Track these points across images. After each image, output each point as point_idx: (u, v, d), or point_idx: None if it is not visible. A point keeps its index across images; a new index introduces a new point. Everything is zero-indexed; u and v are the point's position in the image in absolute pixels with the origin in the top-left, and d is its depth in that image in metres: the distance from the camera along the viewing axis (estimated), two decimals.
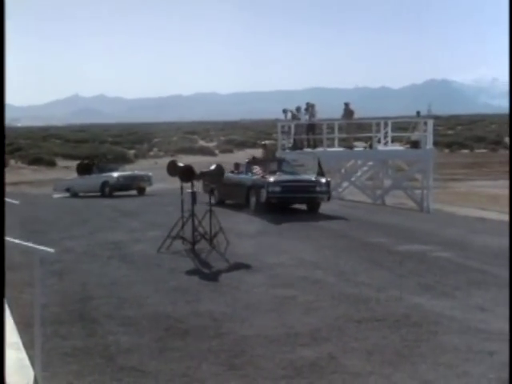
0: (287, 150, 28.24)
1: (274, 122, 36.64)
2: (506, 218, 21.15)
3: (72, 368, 6.72)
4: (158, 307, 9.15)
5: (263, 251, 13.36)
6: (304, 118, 28.57)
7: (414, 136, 27.75)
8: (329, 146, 28.71)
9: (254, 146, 61.62)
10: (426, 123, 27.54)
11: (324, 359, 6.96)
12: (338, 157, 27.97)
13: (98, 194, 29.45)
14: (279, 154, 28.12)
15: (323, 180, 19.87)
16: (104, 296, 9.80)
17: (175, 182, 14.26)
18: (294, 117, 28.86)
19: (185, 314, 8.79)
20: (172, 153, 58.67)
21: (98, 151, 58.50)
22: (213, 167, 14.45)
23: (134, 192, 29.80)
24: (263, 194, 19.10)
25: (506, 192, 33.79)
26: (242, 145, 67.89)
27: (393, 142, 30.21)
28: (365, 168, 28.74)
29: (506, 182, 38.72)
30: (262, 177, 19.67)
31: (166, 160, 20.68)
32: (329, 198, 19.98)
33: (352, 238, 15.16)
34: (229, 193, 21.22)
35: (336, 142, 29.67)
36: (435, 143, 34.01)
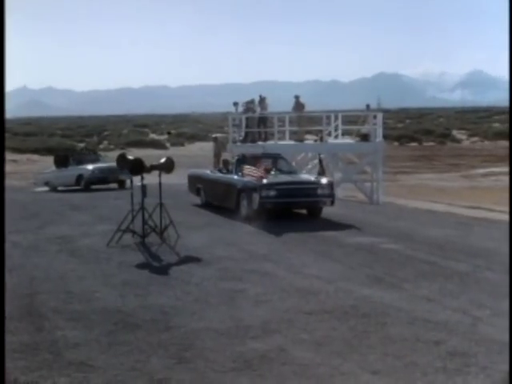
0: (238, 143, 28.21)
1: (223, 115, 36.62)
2: (454, 209, 21.49)
3: (19, 364, 6.63)
4: (107, 301, 9.08)
5: (213, 243, 13.36)
6: (257, 111, 28.55)
7: (364, 129, 27.96)
8: (280, 139, 28.74)
9: (205, 138, 61.48)
10: (375, 116, 27.75)
11: (274, 351, 6.99)
12: (288, 150, 27.97)
13: (76, 187, 27.96)
14: (230, 147, 28.11)
15: (325, 181, 17.32)
16: (52, 291, 9.69)
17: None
18: (249, 109, 28.83)
19: (134, 307, 8.74)
20: (122, 146, 58.16)
21: (47, 145, 57.68)
22: (163, 160, 14.37)
23: (114, 185, 28.01)
24: (255, 198, 16.39)
25: (454, 184, 34.37)
26: (192, 138, 67.69)
27: (343, 135, 30.36)
28: (315, 161, 28.83)
29: (454, 175, 39.40)
30: (255, 177, 16.96)
31: (117, 153, 20.44)
32: (332, 202, 17.16)
33: (301, 230, 15.23)
34: (216, 194, 18.91)
35: (287, 134, 29.72)
36: (385, 136, 34.33)
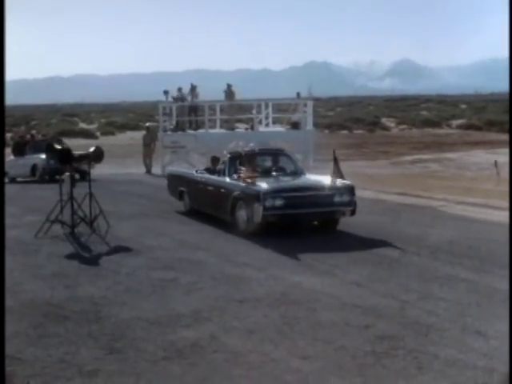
0: (169, 132, 28.08)
1: (154, 104, 36.33)
2: (383, 196, 21.81)
3: None
4: (35, 293, 8.93)
5: (143, 233, 13.28)
6: (188, 99, 28.46)
7: (295, 117, 28.15)
8: (211, 128, 28.71)
9: (135, 128, 60.90)
10: (305, 105, 27.97)
11: (205, 339, 6.99)
12: (219, 138, 27.95)
13: (33, 179, 25.42)
14: (161, 135, 27.94)
15: (343, 185, 13.56)
16: None
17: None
18: (179, 98, 28.69)
19: (64, 299, 8.63)
20: (54, 135, 57.06)
21: None
22: (92, 149, 14.18)
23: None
24: (258, 209, 12.72)
25: (384, 171, 34.87)
26: (123, 127, 66.96)
27: (274, 123, 30.52)
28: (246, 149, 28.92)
29: (384, 162, 39.98)
30: (252, 182, 13.28)
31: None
32: (353, 212, 13.49)
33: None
34: (206, 201, 15.11)
35: (218, 123, 29.70)
36: (315, 124, 34.62)
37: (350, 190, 13.48)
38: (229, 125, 29.03)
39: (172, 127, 28.46)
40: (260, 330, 7.32)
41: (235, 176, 14.02)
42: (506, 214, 15.65)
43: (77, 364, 6.34)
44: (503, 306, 7.93)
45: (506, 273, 9.56)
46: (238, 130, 29.40)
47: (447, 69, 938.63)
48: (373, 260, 10.85)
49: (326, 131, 59.94)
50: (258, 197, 12.83)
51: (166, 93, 29.16)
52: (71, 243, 12.48)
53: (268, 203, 12.77)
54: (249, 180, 13.26)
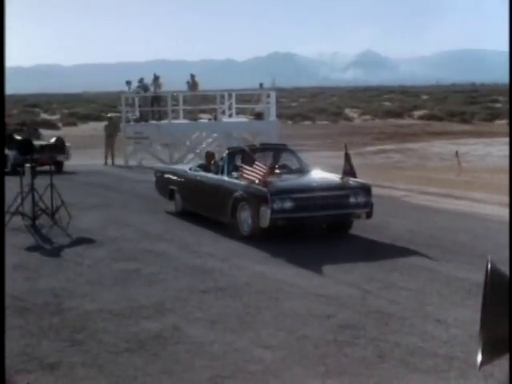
0: (132, 123, 27.90)
1: (117, 95, 36.08)
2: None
3: None
4: None
5: (106, 224, 13.20)
6: (151, 90, 28.31)
7: (258, 108, 28.14)
8: (174, 118, 28.59)
9: (98, 118, 60.40)
10: (269, 95, 27.98)
11: (168, 330, 6.98)
12: (183, 129, 27.92)
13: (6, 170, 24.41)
14: (123, 126, 27.75)
15: (359, 184, 12.13)
16: None
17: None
18: (142, 88, 28.51)
19: (25, 291, 8.55)
20: (13, 126, 56.32)
21: None
22: (53, 140, 14.02)
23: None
24: (265, 212, 11.27)
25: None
26: (85, 118, 66.38)
27: (238, 113, 30.50)
28: (209, 140, 28.87)
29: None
30: (257, 180, 11.69)
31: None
32: (369, 215, 12.03)
33: None
34: (201, 202, 13.57)
35: (181, 113, 29.59)
36: (279, 115, 34.65)
37: (366, 189, 12.02)
38: (192, 115, 28.93)
39: (135, 118, 28.27)
40: (223, 320, 7.32)
41: (235, 174, 12.58)
42: (468, 203, 15.88)
43: (38, 356, 6.28)
44: (463, 295, 8.05)
45: (467, 261, 9.68)
46: (201, 120, 29.30)
47: (410, 60, 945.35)
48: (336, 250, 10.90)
49: (290, 122, 60.06)
50: (264, 198, 11.29)
51: (128, 83, 28.94)
52: (32, 235, 12.36)
53: (276, 205, 11.28)
54: (267, 179, 11.58)
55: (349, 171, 12.16)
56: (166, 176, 15.28)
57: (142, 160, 27.22)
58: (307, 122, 63.36)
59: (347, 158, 12.28)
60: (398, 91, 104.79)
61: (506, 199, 16.19)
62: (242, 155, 13.16)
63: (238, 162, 13.03)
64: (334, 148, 43.56)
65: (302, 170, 13.29)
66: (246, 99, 33.91)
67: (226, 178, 12.72)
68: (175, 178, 14.73)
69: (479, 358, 2.79)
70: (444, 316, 7.35)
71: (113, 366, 6.08)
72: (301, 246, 11.16)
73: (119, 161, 27.20)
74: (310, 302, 7.97)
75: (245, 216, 11.84)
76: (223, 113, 28.78)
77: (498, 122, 60.58)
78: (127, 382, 5.76)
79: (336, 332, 6.87)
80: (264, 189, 11.42)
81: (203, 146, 28.53)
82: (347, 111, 71.43)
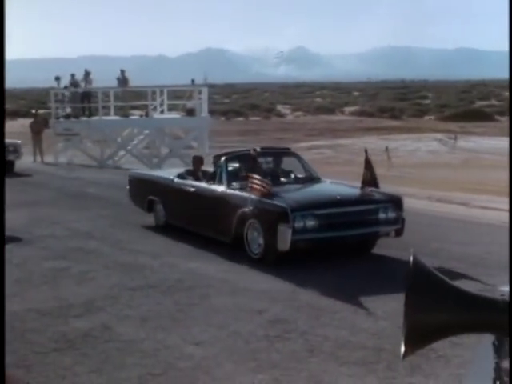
0: (62, 119, 27.47)
1: (47, 91, 35.47)
2: None
3: None
4: None
5: (35, 222, 12.97)
6: (81, 86, 27.92)
7: (190, 104, 28.05)
8: (105, 115, 28.26)
9: (27, 115, 59.30)
10: (200, 91, 27.91)
11: (98, 329, 6.91)
12: (114, 125, 27.63)
13: None
14: (53, 123, 27.30)
15: (387, 196, 10.36)
16: None
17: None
18: (73, 84, 28.08)
19: None
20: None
21: None
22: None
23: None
24: (285, 233, 9.25)
25: None
26: (14, 114, 65.09)
27: (170, 110, 30.33)
28: (141, 136, 28.65)
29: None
30: (258, 193, 9.85)
31: None
32: (400, 233, 10.07)
33: (125, 206, 15.03)
34: (192, 216, 11.44)
35: (112, 110, 29.28)
36: (212, 111, 34.64)
37: (397, 202, 10.14)
38: (123, 112, 28.67)
39: (65, 114, 27.84)
40: (153, 317, 7.29)
41: (235, 184, 10.66)
42: None
43: None
44: (391, 287, 8.17)
45: (396, 254, 9.82)
46: (132, 116, 29.05)
47: (341, 56, 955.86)
48: None
49: (222, 118, 60.05)
50: (284, 215, 9.31)
51: (57, 79, 28.46)
52: None
53: (298, 224, 9.31)
54: (264, 190, 9.77)
55: (369, 180, 10.26)
56: (144, 184, 12.99)
57: (72, 157, 26.84)
58: (240, 119, 63.44)
59: (368, 165, 10.36)
60: (330, 88, 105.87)
61: (435, 193, 16.55)
62: (245, 161, 11.09)
63: (239, 170, 11.17)
64: (264, 144, 43.82)
65: (312, 179, 11.31)
66: (178, 95, 33.74)
67: (223, 188, 10.66)
68: (156, 186, 12.46)
69: (402, 348, 2.83)
70: (373, 309, 7.46)
71: (41, 367, 5.99)
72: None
73: (49, 158, 26.74)
74: (242, 297, 7.99)
75: (254, 236, 9.84)
76: (155, 109, 28.59)
77: (427, 117, 61.76)
78: (56, 383, 5.68)
79: (267, 327, 6.90)
80: (282, 204, 9.47)
81: (134, 142, 28.31)
82: (279, 107, 71.81)
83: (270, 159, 11.65)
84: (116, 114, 28.93)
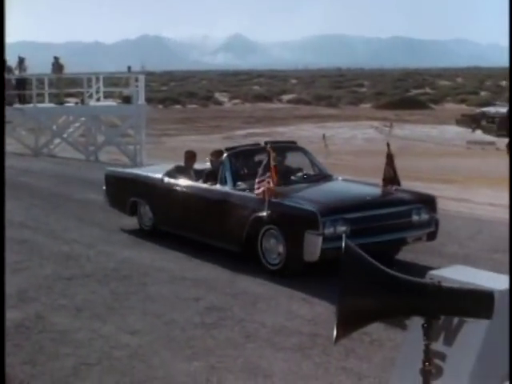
0: None
1: None
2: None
3: None
4: None
5: None
6: (15, 73, 27.37)
7: (126, 91, 27.75)
8: (40, 102, 27.77)
9: None
10: (137, 79, 27.64)
11: (31, 319, 6.81)
12: (48, 113, 27.14)
13: None
14: None
15: (419, 196, 9.26)
16: None
17: None
18: (6, 70, 27.49)
19: None
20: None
21: None
22: None
23: None
24: (315, 241, 8.06)
25: (217, 146, 35.13)
26: None
27: (106, 97, 29.96)
28: (77, 124, 28.25)
29: (217, 136, 40.31)
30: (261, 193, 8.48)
31: None
32: (433, 236, 9.05)
33: (60, 195, 14.85)
34: (189, 221, 9.94)
35: (47, 97, 28.78)
36: (149, 99, 34.35)
37: (430, 203, 9.07)
38: (58, 99, 28.21)
39: None
40: (88, 307, 7.21)
41: (241, 184, 9.34)
42: None
43: None
44: (329, 272, 8.24)
45: None
46: (68, 104, 28.61)
47: (278, 44, 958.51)
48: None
49: (160, 106, 59.64)
50: (313, 220, 8.08)
51: None
52: None
53: (328, 230, 8.09)
54: (271, 191, 8.40)
55: (391, 178, 9.16)
56: (126, 183, 11.43)
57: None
58: (178, 106, 63.13)
59: (390, 160, 9.23)
60: (268, 75, 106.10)
61: (369, 181, 16.75)
62: (251, 157, 10.00)
63: (246, 167, 9.90)
64: (202, 132, 43.72)
65: (324, 176, 10.07)
66: (115, 83, 33.38)
67: (233, 190, 9.30)
68: (141, 186, 10.94)
69: (334, 333, 2.88)
70: (309, 295, 7.52)
71: None
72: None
73: None
74: (178, 285, 7.97)
75: (272, 244, 8.57)
76: (91, 96, 28.20)
77: (363, 105, 62.45)
78: None
79: (203, 314, 6.91)
80: (310, 207, 8.28)
81: (70, 130, 27.93)
82: (217, 95, 71.71)
83: (278, 154, 9.57)
84: (51, 102, 28.45)
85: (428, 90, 78.74)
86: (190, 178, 10.18)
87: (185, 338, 6.30)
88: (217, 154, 10.00)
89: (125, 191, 11.25)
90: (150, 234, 10.58)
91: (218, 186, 9.50)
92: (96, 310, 7.12)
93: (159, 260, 9.17)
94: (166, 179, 10.37)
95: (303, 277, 8.22)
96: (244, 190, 9.18)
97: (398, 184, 9.17)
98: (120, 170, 12.84)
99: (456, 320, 3.78)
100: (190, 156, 10.68)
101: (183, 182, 10.15)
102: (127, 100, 26.94)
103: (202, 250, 9.56)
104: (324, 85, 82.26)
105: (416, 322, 3.25)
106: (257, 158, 9.74)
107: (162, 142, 36.55)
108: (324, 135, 27.13)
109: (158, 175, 10.60)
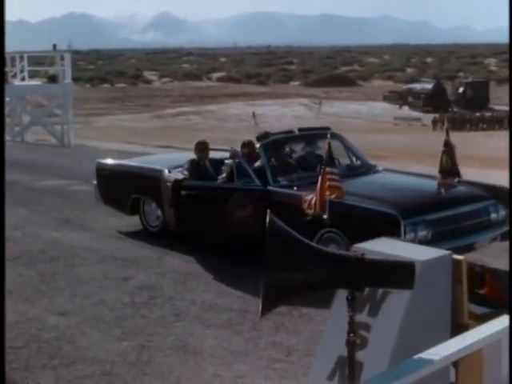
0: None
1: None
2: (148, 150, 21.84)
3: None
4: None
5: None
6: None
7: (52, 70, 27.19)
8: None
9: None
10: (63, 58, 27.10)
11: None
12: None
13: None
14: None
15: (497, 190, 8.01)
16: None
17: None
18: None
19: None
20: None
21: None
22: None
23: None
24: None
25: (147, 125, 34.86)
26: None
27: (31, 77, 29.31)
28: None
29: (146, 116, 39.95)
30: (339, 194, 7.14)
31: None
32: (507, 236, 7.71)
33: None
34: (217, 224, 8.17)
35: None
36: (76, 78, 33.78)
37: (505, 196, 7.73)
38: None
39: None
40: (16, 289, 7.07)
41: (283, 181, 8.08)
42: None
43: None
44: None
45: None
46: None
47: (209, 22, 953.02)
48: None
49: (88, 85, 58.72)
50: (393, 225, 6.92)
51: None
52: None
53: (409, 236, 6.97)
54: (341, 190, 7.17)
55: (450, 169, 8.08)
56: (124, 177, 9.83)
57: None
58: (106, 85, 62.25)
59: (448, 148, 8.05)
60: (197, 54, 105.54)
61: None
62: (279, 146, 8.86)
63: (282, 160, 8.62)
64: (131, 111, 43.27)
65: (370, 167, 8.92)
66: (40, 62, 32.66)
67: (277, 188, 7.96)
68: (147, 182, 9.32)
69: (260, 307, 2.91)
70: (239, 272, 7.55)
71: None
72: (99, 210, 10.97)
73: None
74: (107, 265, 7.90)
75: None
76: (15, 76, 27.54)
77: (293, 83, 62.72)
78: None
79: (133, 294, 6.87)
80: (387, 209, 7.11)
81: None
82: (146, 74, 70.97)
83: (311, 143, 9.12)
84: None
85: (356, 67, 79.58)
86: (205, 172, 8.73)
87: (114, 318, 6.26)
88: (249, 145, 8.62)
89: (123, 187, 9.76)
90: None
91: (257, 183, 8.06)
92: (23, 292, 7.01)
93: (87, 240, 9.07)
94: (180, 176, 8.67)
95: (233, 256, 8.21)
96: (289, 186, 7.87)
97: (459, 175, 8.15)
98: (115, 161, 10.46)
99: (380, 291, 3.84)
100: (204, 147, 9.06)
101: (203, 182, 8.59)
102: (53, 79, 26.39)
103: (130, 231, 9.50)
104: (254, 63, 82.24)
105: (341, 295, 3.29)
106: (292, 147, 9.00)
107: (90, 122, 36.02)
108: (254, 113, 27.01)
109: (165, 170, 8.95)
